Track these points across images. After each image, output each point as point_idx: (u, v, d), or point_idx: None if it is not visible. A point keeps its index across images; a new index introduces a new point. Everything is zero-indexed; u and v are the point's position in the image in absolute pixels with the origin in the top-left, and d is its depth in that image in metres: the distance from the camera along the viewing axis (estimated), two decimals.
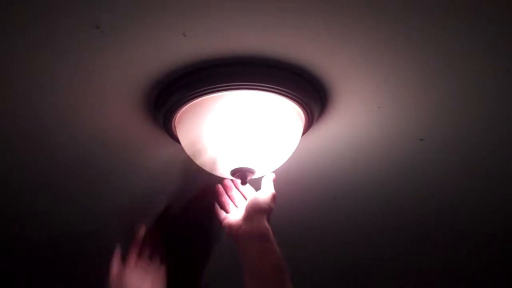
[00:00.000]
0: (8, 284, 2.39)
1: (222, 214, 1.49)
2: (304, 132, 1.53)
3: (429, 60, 1.37)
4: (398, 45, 1.33)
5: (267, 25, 1.27)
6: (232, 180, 1.51)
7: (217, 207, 1.50)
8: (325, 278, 2.38)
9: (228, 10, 1.23)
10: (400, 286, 2.46)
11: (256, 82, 1.38)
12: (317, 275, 2.32)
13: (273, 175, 1.48)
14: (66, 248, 2.15)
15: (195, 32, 1.28)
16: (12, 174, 1.76)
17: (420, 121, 1.57)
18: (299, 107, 1.44)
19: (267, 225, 1.39)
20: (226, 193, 1.52)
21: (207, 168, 1.48)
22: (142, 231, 1.43)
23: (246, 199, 1.49)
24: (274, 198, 1.43)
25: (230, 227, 1.44)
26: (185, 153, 1.49)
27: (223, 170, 1.46)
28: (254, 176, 1.47)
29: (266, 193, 1.44)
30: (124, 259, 1.39)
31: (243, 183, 1.45)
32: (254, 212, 1.41)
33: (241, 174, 1.44)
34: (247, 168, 1.44)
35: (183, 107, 1.43)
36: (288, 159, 1.52)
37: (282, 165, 1.52)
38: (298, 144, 1.51)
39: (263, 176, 1.48)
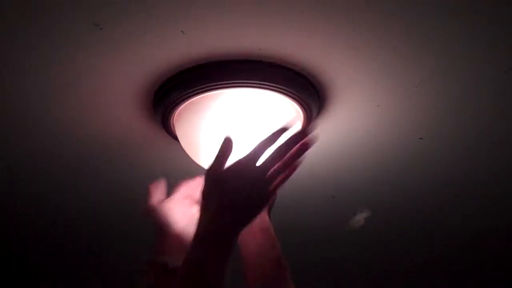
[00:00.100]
0: (8, 284, 2.39)
1: None
2: None
3: (429, 59, 1.37)
4: (398, 44, 1.32)
5: (266, 23, 1.27)
6: None
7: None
8: (325, 278, 2.38)
9: (226, 8, 1.23)
10: (399, 285, 2.46)
11: (255, 80, 1.38)
12: (316, 274, 2.32)
13: None
14: (66, 247, 2.15)
15: (193, 30, 1.27)
16: (12, 174, 1.76)
17: (419, 120, 1.57)
18: (298, 105, 1.44)
19: (268, 219, 1.38)
20: None
21: (206, 166, 1.47)
22: (194, 180, 1.42)
23: None
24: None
25: None
26: (184, 151, 1.49)
27: None
28: None
29: None
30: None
31: None
32: None
33: None
34: None
35: (181, 105, 1.42)
36: None
37: None
38: None
39: None
